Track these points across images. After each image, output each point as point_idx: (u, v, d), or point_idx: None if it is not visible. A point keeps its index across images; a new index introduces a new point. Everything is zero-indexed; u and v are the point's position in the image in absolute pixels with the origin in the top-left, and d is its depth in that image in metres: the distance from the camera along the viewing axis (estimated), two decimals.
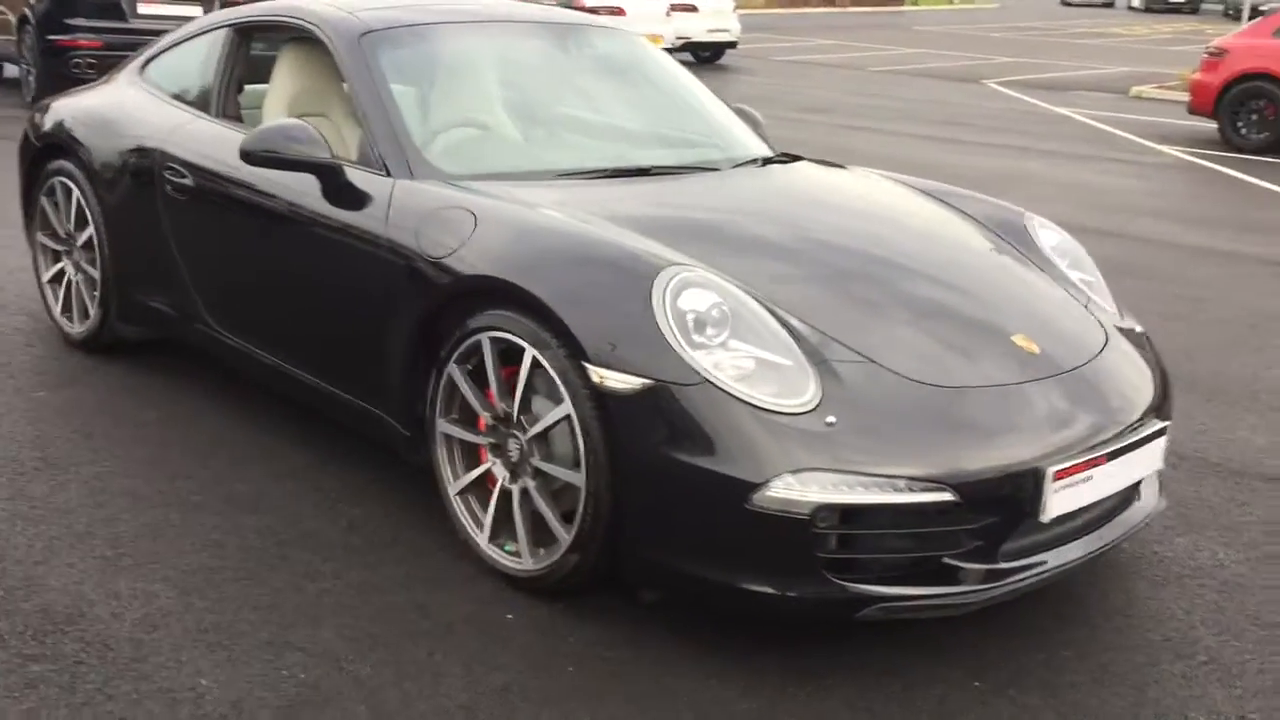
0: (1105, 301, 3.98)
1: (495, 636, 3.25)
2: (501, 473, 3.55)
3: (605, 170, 4.20)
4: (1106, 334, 3.71)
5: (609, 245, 3.42)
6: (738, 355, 3.11)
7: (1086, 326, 3.73)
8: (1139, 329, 3.93)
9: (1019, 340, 3.43)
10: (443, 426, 3.67)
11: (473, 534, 3.62)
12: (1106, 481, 3.24)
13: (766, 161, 4.60)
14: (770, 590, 3.01)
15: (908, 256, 3.83)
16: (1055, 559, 3.18)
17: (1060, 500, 3.12)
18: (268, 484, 4.11)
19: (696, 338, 3.10)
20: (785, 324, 3.22)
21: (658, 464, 3.06)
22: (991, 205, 4.45)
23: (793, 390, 3.06)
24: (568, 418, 3.24)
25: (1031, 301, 3.76)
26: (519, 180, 3.99)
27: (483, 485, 3.64)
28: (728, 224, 3.90)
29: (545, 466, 3.38)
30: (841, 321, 3.33)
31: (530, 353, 3.32)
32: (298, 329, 4.27)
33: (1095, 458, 3.19)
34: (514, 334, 3.37)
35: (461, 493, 3.66)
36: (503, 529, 3.57)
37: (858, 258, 3.76)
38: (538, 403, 3.43)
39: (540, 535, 3.46)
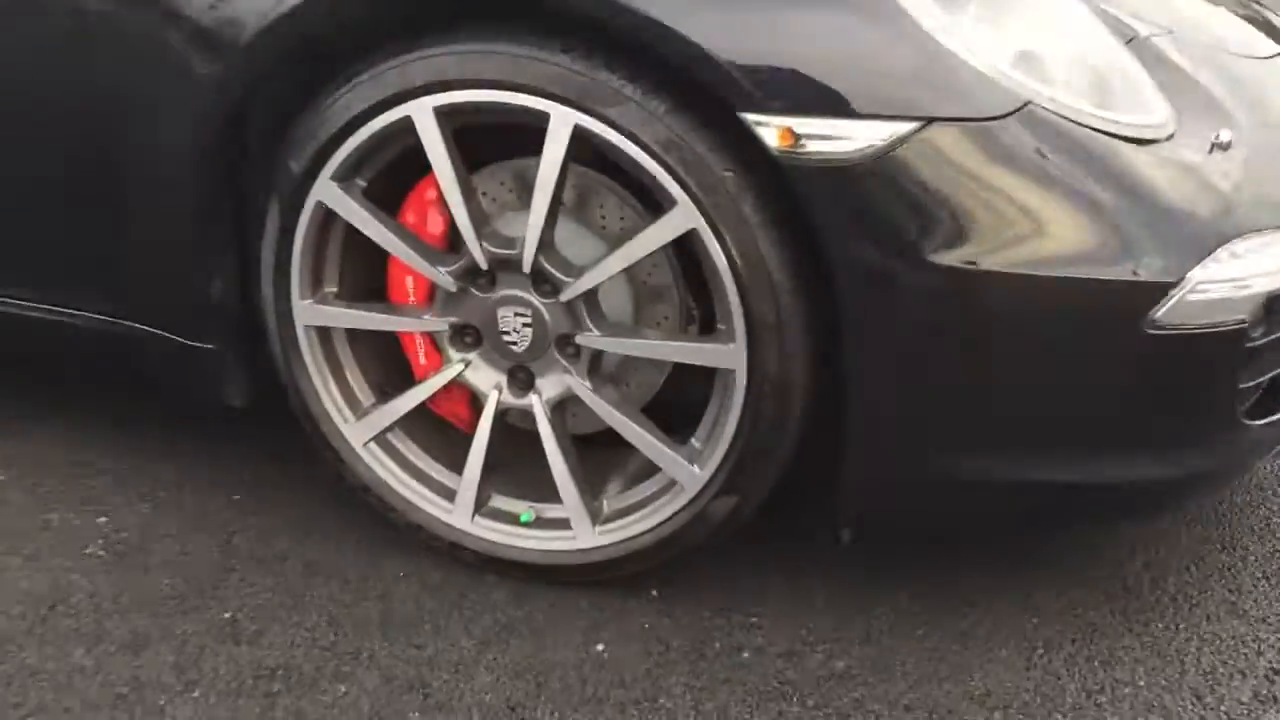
0: None
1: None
2: (490, 380, 1.78)
3: None
4: None
5: None
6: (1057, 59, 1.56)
7: None
8: None
9: None
10: (314, 313, 1.79)
11: (427, 505, 1.84)
12: None
13: None
14: (1166, 472, 1.61)
15: None
16: None
17: None
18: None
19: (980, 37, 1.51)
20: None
21: (926, 287, 1.48)
22: None
23: (1141, 106, 1.59)
24: (692, 234, 1.55)
25: None
26: None
27: (428, 418, 1.86)
28: None
29: (624, 345, 1.69)
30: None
31: (563, 119, 1.55)
32: None
33: None
34: (517, 86, 1.56)
35: (383, 438, 1.84)
36: (499, 483, 1.84)
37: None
38: (568, 231, 1.70)
39: (605, 478, 1.79)
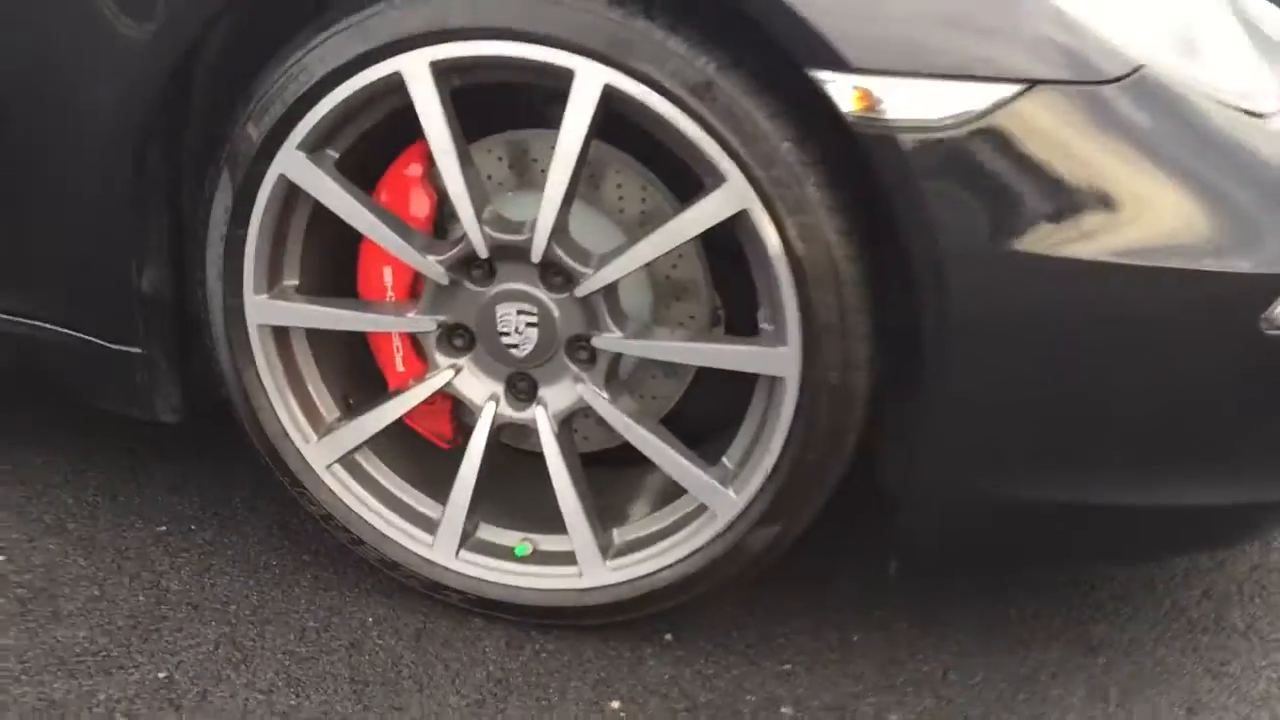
0: None
1: None
2: (484, 390, 1.50)
3: None
4: None
5: None
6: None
7: None
8: None
9: None
10: (271, 310, 1.49)
11: (404, 538, 1.56)
12: None
13: None
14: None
15: None
16: None
17: None
18: None
19: None
20: None
21: (1020, 280, 1.26)
22: None
23: (1253, 76, 1.40)
24: (740, 218, 1.31)
25: None
26: None
27: (405, 436, 1.57)
28: None
29: (654, 348, 1.44)
30: None
31: (592, 77, 1.29)
32: None
33: None
34: (535, 36, 1.30)
35: (350, 459, 1.55)
36: (485, 510, 1.56)
37: None
38: (578, 215, 1.43)
39: (618, 505, 1.53)
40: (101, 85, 1.40)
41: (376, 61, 1.34)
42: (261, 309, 1.48)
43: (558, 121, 1.46)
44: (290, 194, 1.43)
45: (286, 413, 1.52)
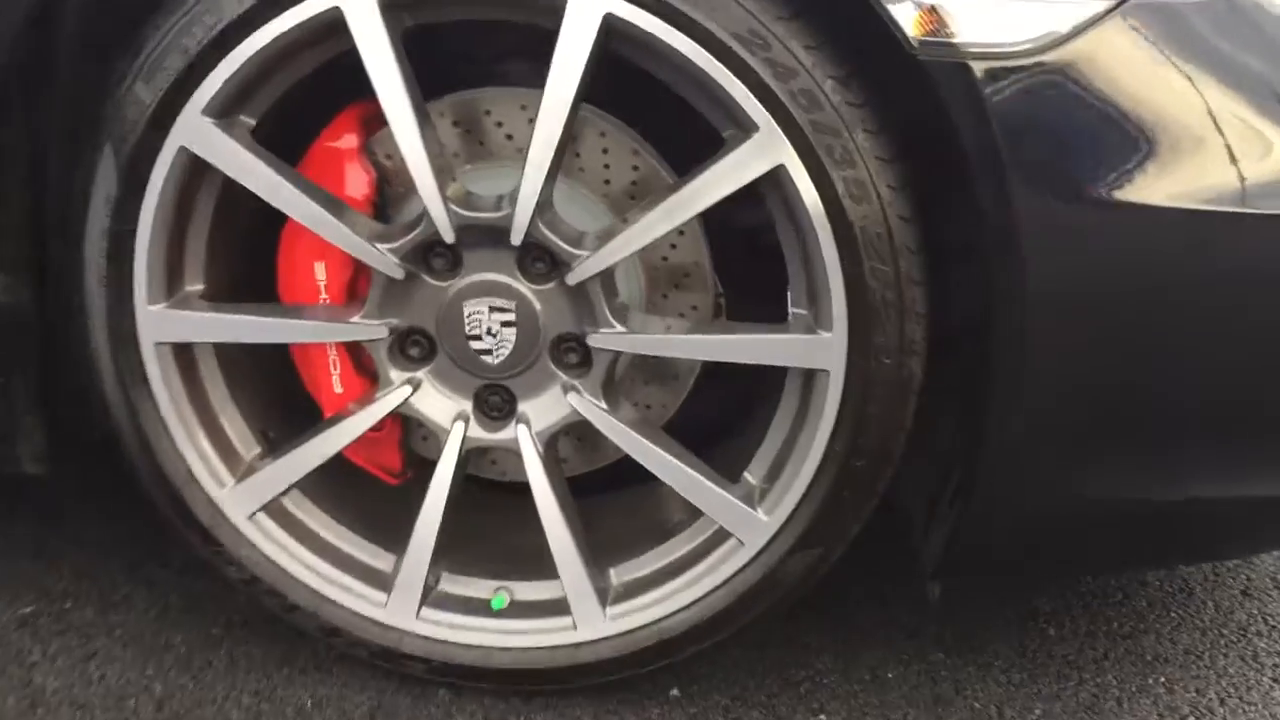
0: None
1: None
2: (448, 408, 1.22)
3: None
4: None
5: None
6: None
7: None
8: None
9: None
10: (172, 323, 1.18)
11: (348, 598, 1.25)
12: None
13: None
14: None
15: None
16: None
17: None
18: None
19: None
20: None
21: (1118, 235, 1.06)
22: None
23: None
24: (772, 176, 1.07)
25: None
26: None
27: (340, 472, 1.27)
28: None
29: (667, 344, 1.17)
30: None
31: (588, 7, 1.04)
32: None
33: None
34: None
35: (275, 505, 1.25)
36: (454, 556, 1.27)
37: None
38: (563, 193, 1.18)
39: (611, 539, 1.26)
40: None
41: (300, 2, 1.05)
42: (158, 322, 1.16)
43: (518, 78, 1.21)
44: (194, 172, 1.13)
45: (194, 451, 1.21)
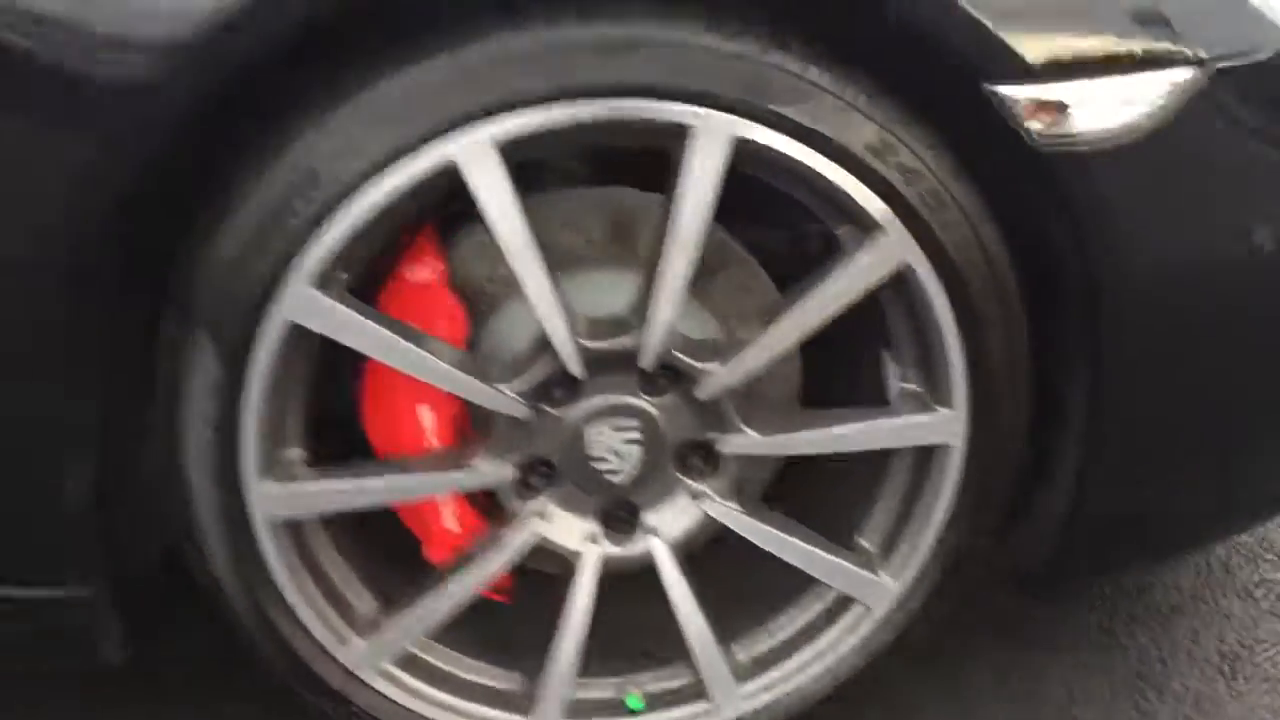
0: None
1: None
2: (577, 531, 1.19)
3: None
4: None
5: None
6: None
7: None
8: None
9: None
10: (285, 497, 1.10)
11: None
12: None
13: None
14: None
15: None
16: None
17: None
18: None
19: None
20: None
21: (1208, 288, 1.14)
22: None
23: None
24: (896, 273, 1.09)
25: None
26: None
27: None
28: None
29: (802, 442, 1.19)
30: None
31: (717, 132, 1.01)
32: None
33: None
34: (640, 89, 0.99)
35: (404, 653, 1.20)
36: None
37: None
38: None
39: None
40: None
41: (418, 149, 0.99)
42: (272, 500, 1.09)
43: (585, 179, 1.19)
44: (295, 341, 1.05)
45: (318, 620, 1.15)
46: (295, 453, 1.11)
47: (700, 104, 1.00)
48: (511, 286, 1.10)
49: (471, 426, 1.17)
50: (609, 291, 1.14)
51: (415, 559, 1.24)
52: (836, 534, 1.25)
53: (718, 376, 1.11)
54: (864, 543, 1.25)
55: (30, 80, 0.91)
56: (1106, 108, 1.03)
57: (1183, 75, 1.05)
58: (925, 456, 1.19)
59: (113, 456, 1.09)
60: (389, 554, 1.23)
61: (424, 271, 1.13)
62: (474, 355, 1.14)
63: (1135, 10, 1.05)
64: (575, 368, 1.09)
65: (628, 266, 1.16)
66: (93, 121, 0.92)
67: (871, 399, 1.23)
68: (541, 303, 1.05)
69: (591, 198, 1.19)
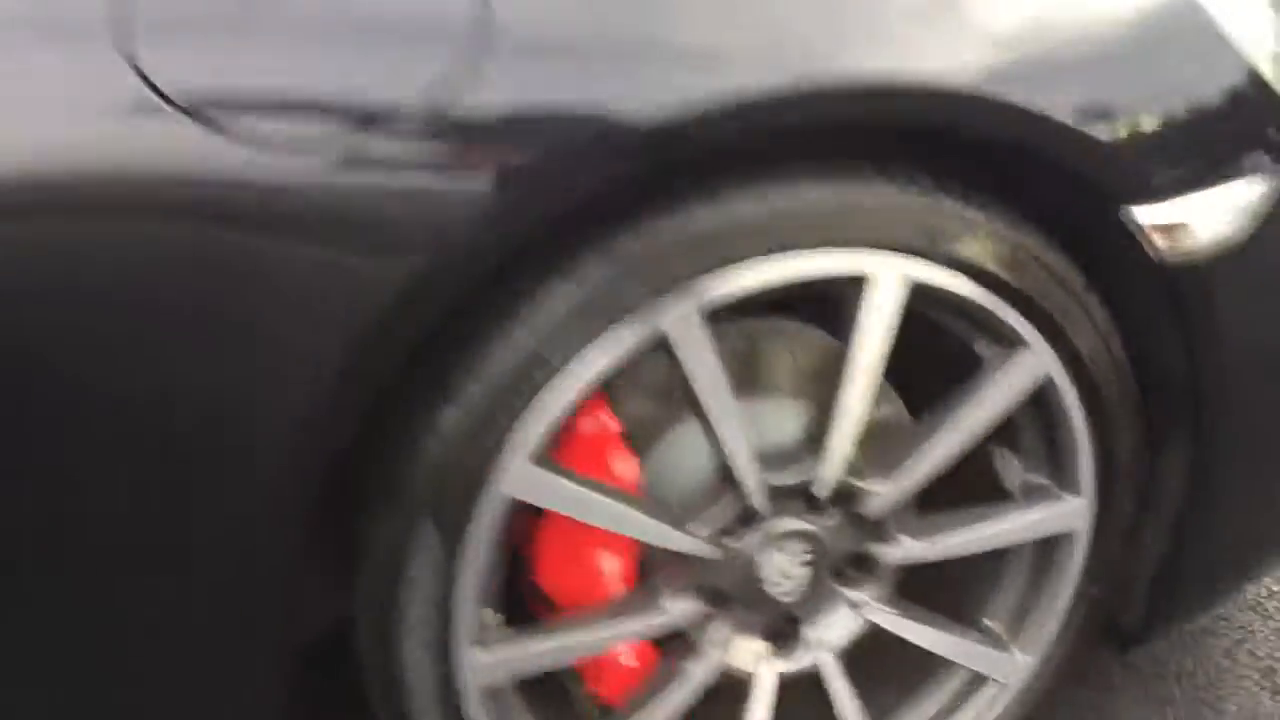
0: None
1: None
2: (749, 651, 1.24)
3: None
4: None
5: None
6: None
7: None
8: None
9: None
10: (495, 663, 1.11)
11: None
12: None
13: None
14: None
15: None
16: None
17: None
18: None
19: None
20: None
21: None
22: None
23: None
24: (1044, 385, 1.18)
25: None
26: None
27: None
28: None
29: (951, 543, 1.25)
30: None
31: (893, 276, 1.08)
32: None
33: None
34: (824, 241, 1.05)
35: None
36: None
37: None
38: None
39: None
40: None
41: (626, 327, 1.02)
42: (483, 668, 1.10)
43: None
44: (510, 513, 1.07)
45: None
46: (489, 615, 1.13)
47: (878, 250, 1.07)
48: (664, 426, 1.15)
49: (645, 565, 1.20)
50: (771, 422, 1.20)
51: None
52: (956, 612, 1.34)
53: (885, 496, 1.18)
54: (991, 624, 1.34)
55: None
56: (1223, 216, 1.15)
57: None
58: (1050, 541, 1.29)
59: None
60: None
61: (602, 423, 1.16)
62: (664, 503, 1.17)
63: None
64: (761, 504, 1.14)
65: (788, 396, 1.22)
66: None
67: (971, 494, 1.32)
68: (739, 458, 1.10)
69: (747, 330, 1.24)
